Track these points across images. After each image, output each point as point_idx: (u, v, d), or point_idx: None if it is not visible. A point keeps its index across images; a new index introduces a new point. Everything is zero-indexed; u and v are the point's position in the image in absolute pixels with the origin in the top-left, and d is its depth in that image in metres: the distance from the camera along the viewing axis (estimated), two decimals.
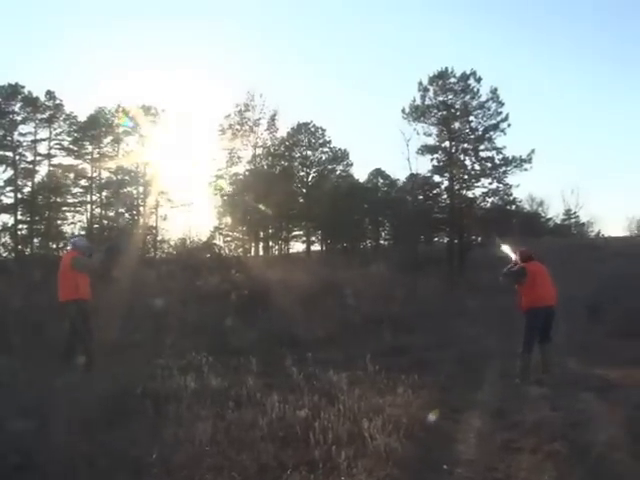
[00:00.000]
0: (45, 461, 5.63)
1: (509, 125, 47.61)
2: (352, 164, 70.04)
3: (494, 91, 48.09)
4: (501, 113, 47.81)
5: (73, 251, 11.33)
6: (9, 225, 57.03)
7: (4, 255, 50.89)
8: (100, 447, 6.14)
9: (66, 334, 10.75)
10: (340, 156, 69.04)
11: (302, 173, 67.10)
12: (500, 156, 48.14)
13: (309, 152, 67.19)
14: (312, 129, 66.82)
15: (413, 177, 51.90)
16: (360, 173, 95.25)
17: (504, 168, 48.10)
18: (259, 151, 56.19)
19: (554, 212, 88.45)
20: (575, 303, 16.47)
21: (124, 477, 5.56)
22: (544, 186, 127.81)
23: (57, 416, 6.89)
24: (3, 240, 54.55)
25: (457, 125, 49.48)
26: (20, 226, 58.26)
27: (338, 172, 69.80)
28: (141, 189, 58.61)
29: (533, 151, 47.54)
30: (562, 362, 11.02)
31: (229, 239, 55.28)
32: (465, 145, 49.46)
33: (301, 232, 70.28)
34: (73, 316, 10.62)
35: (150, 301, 16.94)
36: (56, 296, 11.04)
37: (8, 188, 57.59)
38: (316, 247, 71.19)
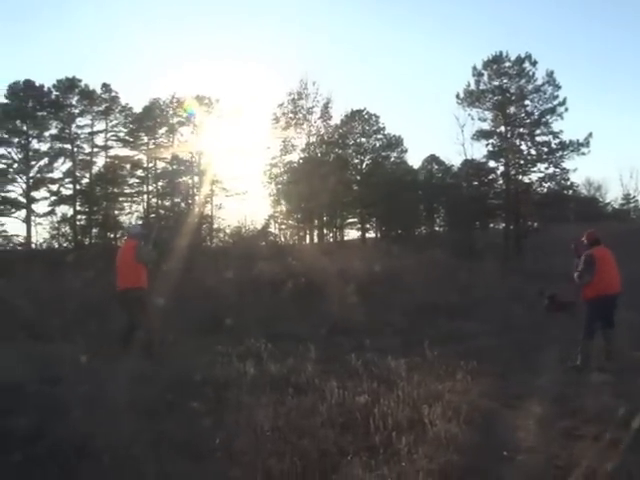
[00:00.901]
0: (108, 447, 5.72)
1: (566, 109, 46.94)
2: (406, 150, 69.69)
3: (550, 74, 47.41)
4: (557, 97, 47.16)
5: (132, 240, 11.52)
6: (68, 216, 58.18)
7: (64, 245, 51.90)
8: (162, 433, 6.24)
9: (126, 322, 10.93)
10: (394, 143, 68.62)
11: (356, 160, 66.88)
12: (557, 140, 47.56)
13: (363, 139, 66.94)
14: (366, 116, 66.56)
15: (468, 163, 51.49)
16: (414, 159, 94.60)
17: (561, 152, 47.47)
18: (313, 139, 56.28)
19: (612, 196, 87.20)
20: (636, 289, 16.15)
21: (187, 462, 5.64)
22: (602, 170, 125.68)
23: (119, 403, 7.00)
24: (63, 230, 55.64)
25: (512, 110, 48.92)
26: (79, 217, 59.47)
27: (392, 159, 69.43)
28: (196, 178, 59.09)
29: (590, 135, 46.85)
30: (624, 349, 10.81)
31: (284, 227, 55.64)
32: (521, 130, 48.92)
33: (355, 219, 70.16)
34: (133, 304, 10.80)
35: (207, 289, 17.10)
36: (114, 285, 11.26)
37: (67, 180, 58.90)
38: (371, 234, 71.13)
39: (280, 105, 55.35)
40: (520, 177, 49.68)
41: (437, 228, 75.62)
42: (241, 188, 57.91)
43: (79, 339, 11.25)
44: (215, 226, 56.55)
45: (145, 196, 62.59)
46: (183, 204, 57.91)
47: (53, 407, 6.76)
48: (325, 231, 66.24)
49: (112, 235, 59.40)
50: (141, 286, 10.94)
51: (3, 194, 57.41)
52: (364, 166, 67.05)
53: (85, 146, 59.88)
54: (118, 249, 12.27)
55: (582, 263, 10.30)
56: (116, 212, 61.57)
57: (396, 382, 8.18)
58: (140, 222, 53.15)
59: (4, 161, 57.22)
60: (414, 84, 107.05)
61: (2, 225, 57.67)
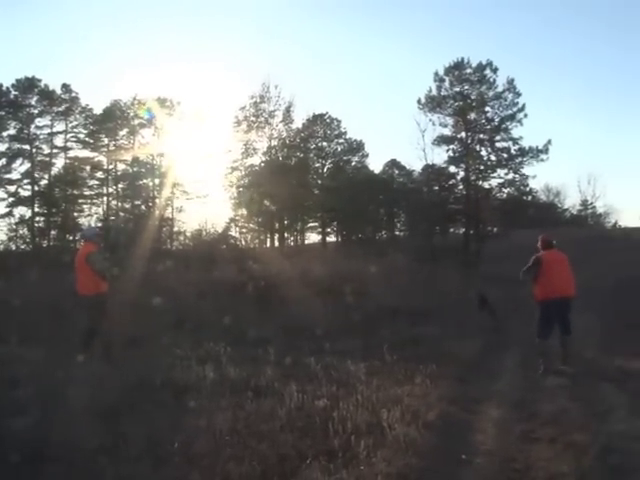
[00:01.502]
0: (67, 451, 5.67)
1: (525, 115, 47.35)
2: (367, 155, 70.10)
3: (511, 82, 47.80)
4: (517, 103, 47.52)
5: (88, 244, 11.35)
6: (26, 217, 57.44)
7: (22, 247, 51.30)
8: (121, 437, 6.18)
9: (85, 326, 10.82)
10: (355, 147, 68.99)
11: (317, 164, 67.03)
12: (516, 147, 47.92)
13: (324, 143, 67.15)
14: (327, 120, 66.73)
15: (429, 168, 51.64)
16: (375, 164, 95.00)
17: (520, 159, 47.87)
18: (274, 143, 55.95)
19: (571, 203, 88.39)
20: (593, 294, 16.37)
21: (146, 466, 5.60)
22: (560, 176, 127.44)
23: (78, 406, 6.94)
24: (21, 232, 54.98)
25: (473, 116, 49.24)
26: (37, 218, 58.64)
27: (353, 163, 69.80)
28: (157, 181, 58.79)
29: (550, 141, 47.29)
30: (581, 353, 10.95)
31: (245, 230, 55.46)
32: (481, 136, 49.26)
33: (316, 223, 70.24)
34: (92, 309, 10.67)
35: (167, 293, 16.99)
36: (74, 287, 11.13)
37: (25, 181, 58.03)
38: (331, 238, 71.27)
39: (242, 108, 55.10)
40: (480, 182, 50.00)
41: (398, 232, 76.01)
42: (202, 191, 57.81)
43: (37, 342, 11.14)
44: (176, 229, 56.37)
45: (105, 198, 62.10)
46: (143, 207, 57.60)
47: (10, 409, 6.68)
48: (286, 235, 66.13)
49: (71, 237, 58.78)
50: (100, 292, 10.81)
51: None
52: (325, 170, 67.25)
53: (44, 147, 59.08)
54: (77, 252, 12.09)
55: (530, 262, 10.48)
56: (75, 214, 61.06)
57: (355, 386, 8.23)
58: (99, 224, 52.65)
59: None
60: (376, 89, 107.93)
61: None
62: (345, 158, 68.73)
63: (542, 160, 47.19)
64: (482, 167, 49.34)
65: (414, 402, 7.59)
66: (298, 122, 59.36)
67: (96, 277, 10.71)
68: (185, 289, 17.71)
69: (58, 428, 6.18)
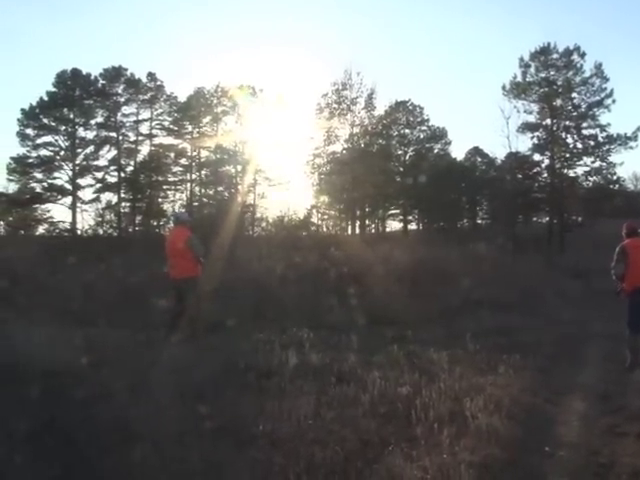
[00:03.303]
0: (151, 432, 5.80)
1: (614, 101, 46.38)
2: (450, 142, 69.40)
3: (598, 66, 46.82)
4: (605, 89, 46.61)
5: (183, 228, 11.53)
6: (113, 203, 59.05)
7: (109, 232, 52.63)
8: (206, 419, 6.32)
9: (173, 308, 11.04)
10: (438, 134, 68.37)
11: (400, 152, 66.72)
12: (604, 134, 47.06)
13: (407, 130, 66.75)
14: (410, 107, 66.32)
15: (512, 155, 51.00)
16: (458, 152, 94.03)
17: (608, 146, 46.93)
18: (356, 130, 55.91)
19: None
20: None
21: (230, 448, 5.69)
22: None
23: (163, 388, 7.10)
24: (108, 217, 56.39)
25: (559, 102, 48.39)
26: (123, 204, 60.38)
27: (436, 151, 69.16)
28: (239, 168, 59.46)
29: (639, 128, 46.11)
30: None
31: (326, 217, 55.64)
32: (567, 122, 48.40)
33: (398, 211, 69.95)
34: (187, 292, 10.87)
35: (248, 278, 17.18)
36: (158, 271, 11.37)
37: (112, 167, 59.79)
38: (413, 226, 70.94)
39: (324, 95, 55.25)
40: (565, 171, 49.22)
41: (479, 221, 75.18)
42: (284, 178, 58.32)
43: (124, 325, 11.41)
44: (257, 215, 56.82)
45: (188, 184, 63.38)
46: (226, 193, 58.29)
47: (98, 391, 6.87)
48: (367, 222, 66.06)
49: (155, 223, 60.16)
50: (197, 274, 11.05)
51: (50, 181, 58.77)
52: (407, 157, 66.87)
53: (130, 134, 60.87)
54: (165, 237, 12.31)
55: (615, 255, 10.14)
56: (160, 200, 62.44)
57: (438, 374, 8.21)
58: (183, 210, 53.57)
59: (51, 148, 58.58)
60: (459, 75, 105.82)
61: (48, 211, 59.20)
62: (427, 145, 68.19)
63: (631, 148, 46.26)
64: (567, 155, 48.52)
65: (497, 392, 7.54)
66: (380, 109, 59.18)
67: (192, 259, 10.94)
68: (267, 275, 17.85)
69: (143, 409, 6.32)
